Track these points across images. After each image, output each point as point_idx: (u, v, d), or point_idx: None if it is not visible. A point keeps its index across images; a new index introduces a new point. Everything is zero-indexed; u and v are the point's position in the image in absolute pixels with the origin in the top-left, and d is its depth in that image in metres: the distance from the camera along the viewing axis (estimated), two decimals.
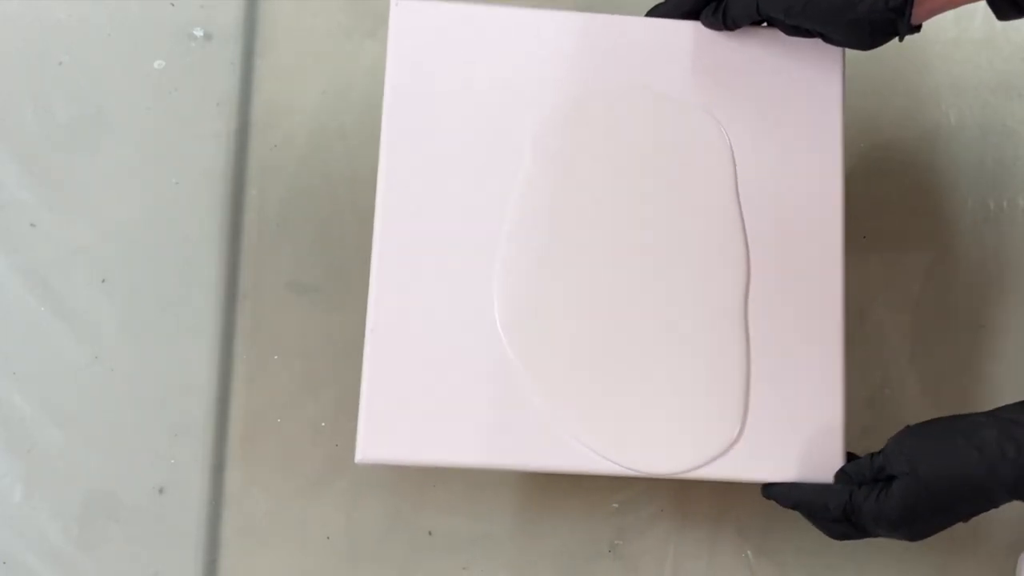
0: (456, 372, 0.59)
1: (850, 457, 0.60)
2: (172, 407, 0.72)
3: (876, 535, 0.58)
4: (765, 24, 0.64)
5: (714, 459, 0.59)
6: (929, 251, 0.75)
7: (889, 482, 0.56)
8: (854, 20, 0.58)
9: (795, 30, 0.62)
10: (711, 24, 0.64)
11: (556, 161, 0.62)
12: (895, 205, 0.76)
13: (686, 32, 0.64)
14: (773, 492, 0.61)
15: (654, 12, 0.66)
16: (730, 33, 0.64)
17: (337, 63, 0.83)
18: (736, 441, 0.59)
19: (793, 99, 0.64)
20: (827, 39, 0.62)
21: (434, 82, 0.63)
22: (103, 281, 0.76)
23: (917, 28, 0.60)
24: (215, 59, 0.83)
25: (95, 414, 0.71)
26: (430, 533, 0.68)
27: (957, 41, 0.77)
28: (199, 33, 0.84)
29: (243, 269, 0.76)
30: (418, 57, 0.63)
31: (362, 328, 0.74)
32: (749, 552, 0.66)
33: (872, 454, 0.58)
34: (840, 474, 0.59)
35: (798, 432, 0.60)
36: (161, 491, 0.70)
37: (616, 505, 0.68)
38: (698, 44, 0.64)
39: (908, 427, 0.57)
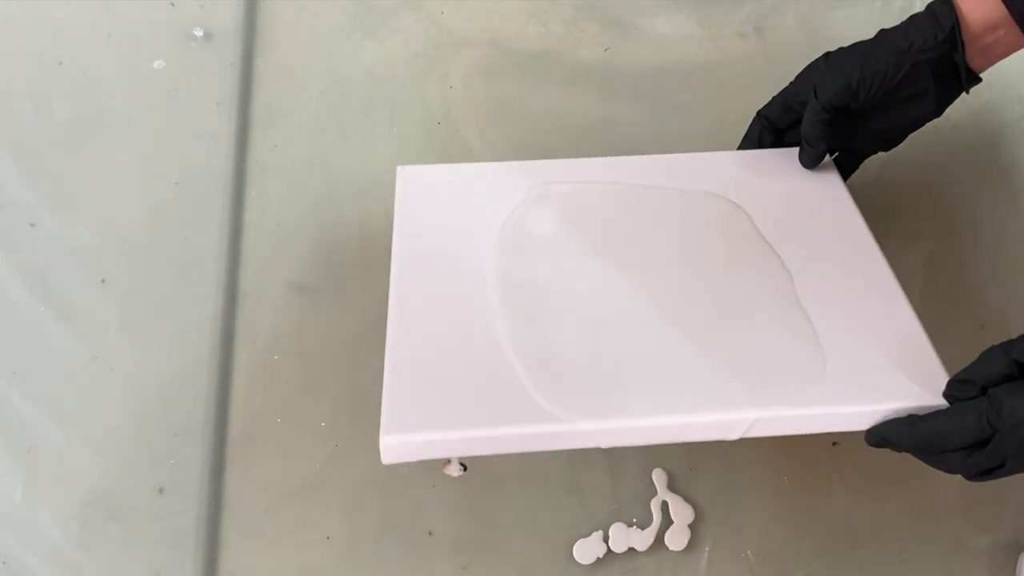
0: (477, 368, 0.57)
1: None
2: (172, 407, 0.72)
3: (1017, 461, 0.47)
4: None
5: (803, 404, 0.54)
6: (929, 251, 0.74)
7: None
8: (916, 65, 0.60)
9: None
10: (809, 159, 0.66)
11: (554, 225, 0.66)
12: (894, 206, 0.76)
13: (666, 164, 0.69)
14: (884, 433, 0.50)
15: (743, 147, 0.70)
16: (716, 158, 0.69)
17: (337, 63, 0.83)
18: (822, 379, 0.55)
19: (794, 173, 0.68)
20: (887, 127, 0.64)
21: (432, 216, 0.68)
22: (103, 281, 0.76)
23: (978, 78, 0.62)
24: (215, 59, 0.83)
25: (95, 414, 0.71)
26: (430, 533, 0.68)
27: None
28: (199, 33, 0.84)
29: (243, 269, 0.76)
30: (420, 203, 0.68)
31: (362, 328, 0.74)
32: (749, 552, 0.66)
33: (999, 347, 0.49)
34: (956, 383, 0.50)
35: (884, 366, 0.55)
36: (161, 491, 0.70)
37: (616, 505, 0.68)
38: (690, 173, 0.68)
39: None
